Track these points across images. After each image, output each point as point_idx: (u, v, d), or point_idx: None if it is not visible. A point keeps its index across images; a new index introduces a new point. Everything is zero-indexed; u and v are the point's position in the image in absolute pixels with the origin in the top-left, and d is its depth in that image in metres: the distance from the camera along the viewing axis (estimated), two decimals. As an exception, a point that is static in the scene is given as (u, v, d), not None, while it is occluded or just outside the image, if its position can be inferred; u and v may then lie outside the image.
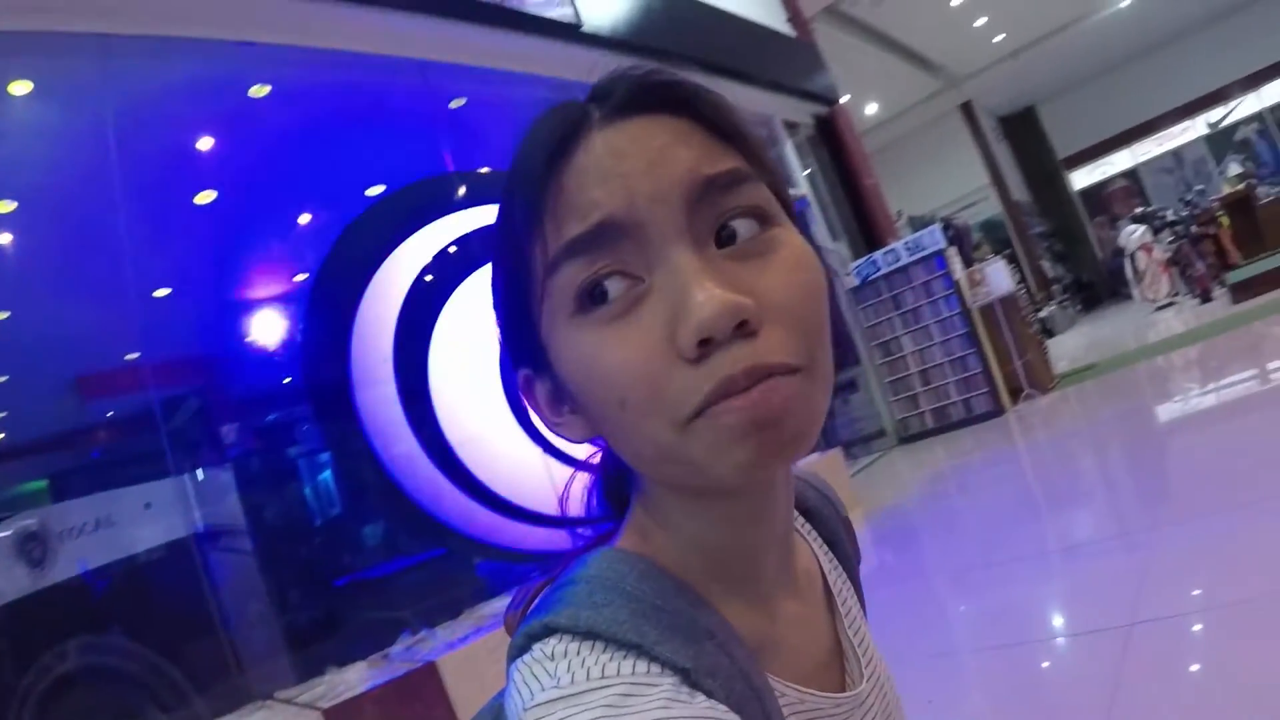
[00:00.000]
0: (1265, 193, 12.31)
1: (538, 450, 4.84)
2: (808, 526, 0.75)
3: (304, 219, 6.06)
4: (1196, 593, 3.09)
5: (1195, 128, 18.79)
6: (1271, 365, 6.49)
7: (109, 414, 5.05)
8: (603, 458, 0.69)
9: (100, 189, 4.49)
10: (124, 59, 4.43)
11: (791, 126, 10.38)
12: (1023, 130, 20.46)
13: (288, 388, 5.54)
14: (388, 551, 5.66)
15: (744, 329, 0.49)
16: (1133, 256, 13.73)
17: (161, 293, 5.22)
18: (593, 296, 0.52)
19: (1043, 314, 14.99)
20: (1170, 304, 13.11)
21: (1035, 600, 3.78)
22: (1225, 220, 11.59)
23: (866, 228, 10.75)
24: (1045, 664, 3.14)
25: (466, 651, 3.62)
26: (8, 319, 4.54)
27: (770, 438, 0.50)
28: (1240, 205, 11.55)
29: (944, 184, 18.40)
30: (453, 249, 5.14)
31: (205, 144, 5.38)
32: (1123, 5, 15.71)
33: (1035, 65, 17.20)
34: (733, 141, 0.55)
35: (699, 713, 0.47)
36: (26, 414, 4.59)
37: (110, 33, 4.22)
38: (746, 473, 0.51)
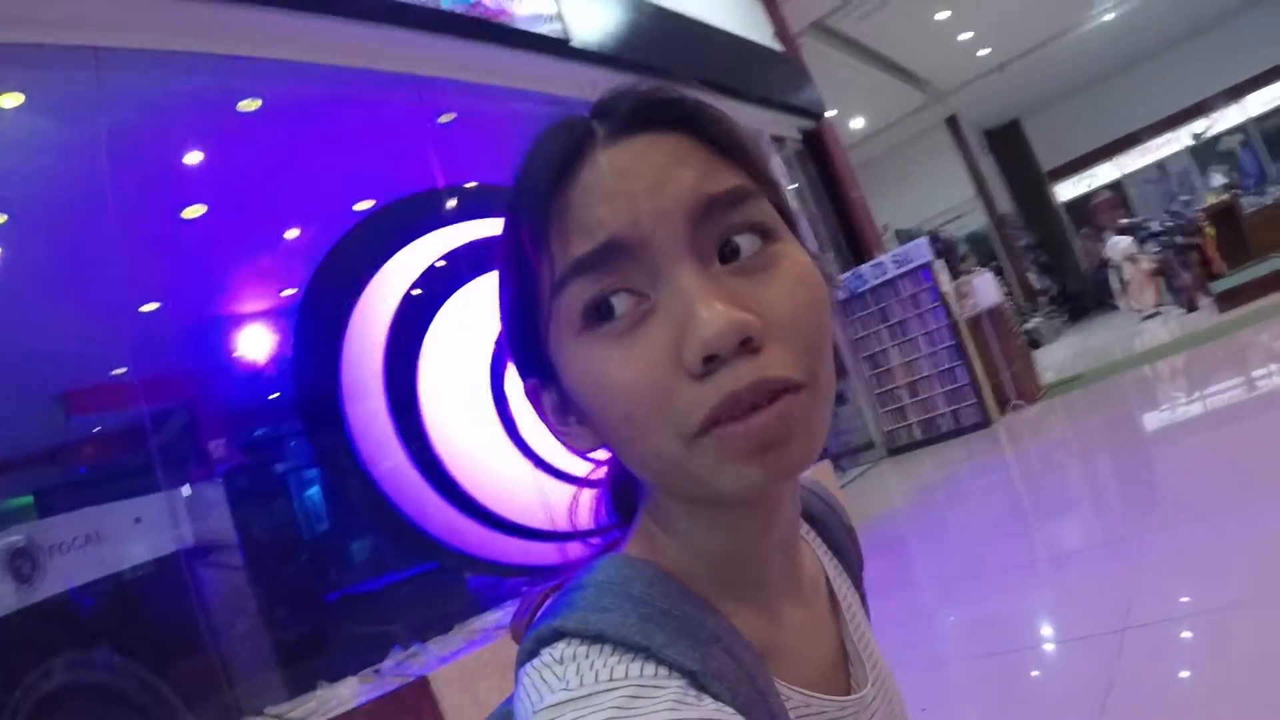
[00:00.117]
0: (1249, 203, 12.40)
1: (528, 464, 4.85)
2: (812, 533, 0.76)
3: (293, 234, 6.06)
4: (1186, 598, 3.11)
5: (1179, 139, 18.88)
6: (1257, 373, 6.54)
7: (97, 428, 5.03)
8: (609, 466, 0.70)
9: (89, 202, 4.48)
10: (115, 72, 4.42)
11: (779, 141, 10.40)
12: (1008, 143, 20.53)
13: (277, 402, 5.53)
14: (378, 566, 5.65)
15: (748, 345, 0.50)
16: (1118, 267, 13.79)
17: (150, 307, 5.21)
18: (599, 313, 0.53)
19: (1029, 325, 15.03)
20: (1156, 314, 13.16)
21: (1027, 608, 3.80)
22: (1210, 230, 11.65)
23: (853, 241, 10.78)
24: (1039, 670, 3.16)
25: (458, 666, 3.61)
26: (-4, 333, 4.52)
27: (777, 457, 0.51)
28: (1224, 215, 11.62)
29: (930, 197, 18.45)
30: (442, 264, 5.15)
31: (195, 158, 5.38)
32: (1106, 19, 15.81)
33: (1020, 79, 17.27)
34: (735, 157, 0.56)
35: (706, 715, 0.48)
36: (14, 429, 4.57)
37: (102, 45, 4.21)
38: (752, 491, 0.52)
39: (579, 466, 0.71)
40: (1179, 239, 12.41)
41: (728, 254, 0.54)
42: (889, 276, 9.41)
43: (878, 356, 9.63)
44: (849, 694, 0.66)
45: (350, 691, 3.73)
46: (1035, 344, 14.36)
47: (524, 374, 0.63)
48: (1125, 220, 15.24)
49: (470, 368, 4.92)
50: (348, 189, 5.91)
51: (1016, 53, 16.33)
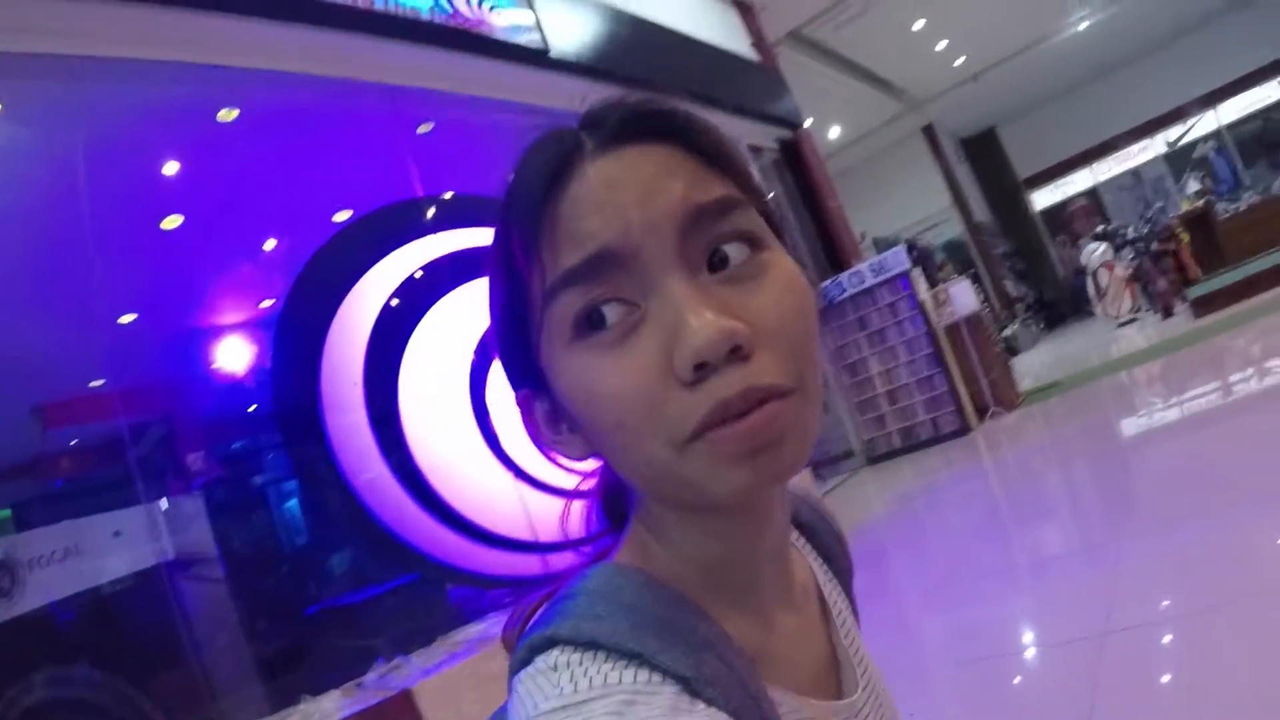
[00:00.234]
0: (1224, 209, 12.53)
1: (509, 475, 4.84)
2: (803, 540, 0.77)
3: (271, 244, 6.03)
4: (1165, 602, 3.14)
5: (1154, 146, 19.10)
6: (1233, 378, 6.60)
7: (75, 441, 4.99)
8: (601, 474, 0.70)
9: (66, 212, 4.44)
10: (93, 81, 4.39)
11: (756, 150, 10.43)
12: (984, 152, 20.67)
13: (257, 414, 5.50)
14: (359, 579, 5.62)
15: (738, 353, 0.51)
16: (1095, 274, 13.89)
17: (128, 318, 5.18)
18: (590, 322, 0.53)
19: (1007, 332, 15.13)
20: (1133, 320, 13.26)
21: (1008, 614, 3.82)
22: (1185, 237, 11.76)
23: (831, 250, 10.81)
24: (1022, 676, 3.17)
25: (441, 678, 3.60)
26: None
27: (767, 461, 0.52)
28: (1199, 221, 11.74)
29: (907, 206, 18.54)
30: (420, 274, 5.14)
31: (173, 168, 5.35)
32: (1081, 28, 15.96)
33: (996, 87, 17.40)
34: (723, 168, 0.57)
35: (700, 720, 0.48)
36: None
37: (80, 54, 4.19)
38: (744, 494, 0.53)
39: (560, 478, 0.71)
40: (1154, 245, 12.52)
41: (716, 263, 0.54)
42: (867, 285, 9.45)
43: (856, 365, 9.66)
44: (840, 699, 0.66)
45: (333, 705, 3.71)
46: (1013, 351, 14.45)
47: (515, 384, 0.63)
48: (1101, 227, 15.36)
49: (451, 379, 4.91)
50: (327, 199, 5.89)
51: (992, 61, 16.46)
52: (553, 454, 0.63)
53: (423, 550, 4.83)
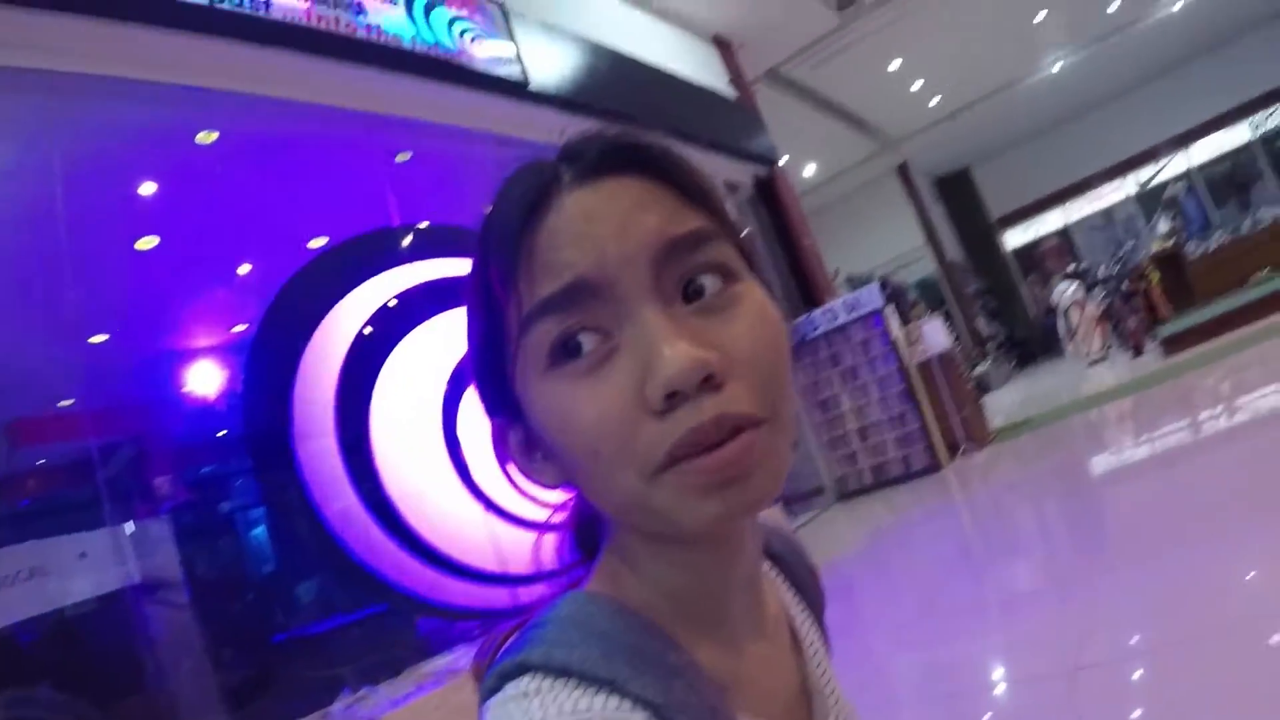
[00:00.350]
0: (1194, 249, 12.72)
1: (480, 507, 4.81)
2: (774, 572, 0.77)
3: (246, 268, 6.01)
4: (1135, 638, 3.16)
5: (1125, 187, 19.34)
6: (1202, 415, 6.67)
7: (42, 460, 4.93)
8: (574, 504, 0.70)
9: (40, 229, 4.40)
10: (71, 98, 4.37)
11: (732, 187, 10.47)
12: (957, 191, 20.83)
13: (227, 439, 5.45)
14: (327, 607, 5.56)
15: (710, 383, 0.51)
16: (1066, 313, 14.03)
17: (99, 338, 5.13)
18: (566, 351, 0.54)
19: (979, 370, 15.22)
20: (1103, 358, 13.36)
21: (979, 649, 3.82)
22: (1155, 276, 11.91)
23: (805, 287, 10.83)
24: (992, 712, 3.17)
25: (409, 710, 3.57)
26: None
27: (738, 492, 0.52)
28: (1170, 261, 11.91)
29: (881, 244, 18.64)
30: (394, 303, 5.13)
31: (150, 188, 5.32)
32: (1054, 70, 16.19)
33: (970, 128, 17.58)
34: (698, 201, 0.58)
35: (671, 749, 0.49)
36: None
37: (58, 70, 4.16)
38: (715, 525, 0.53)
39: (531, 510, 0.71)
40: (1125, 285, 12.67)
41: (691, 294, 0.55)
42: (840, 322, 9.49)
43: (828, 401, 9.67)
44: (810, 729, 0.66)
45: (297, 734, 3.67)
46: (984, 389, 14.53)
47: (490, 413, 0.63)
48: (1072, 266, 15.54)
49: (423, 409, 4.89)
50: (303, 225, 5.87)
51: (966, 102, 16.63)
52: (521, 486, 0.64)
53: (391, 580, 4.79)
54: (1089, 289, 13.93)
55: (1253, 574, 3.31)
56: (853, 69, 13.36)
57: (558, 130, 0.61)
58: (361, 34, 5.26)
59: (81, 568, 4.19)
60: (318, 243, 5.57)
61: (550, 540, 0.72)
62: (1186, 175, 18.53)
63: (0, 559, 3.89)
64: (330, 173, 6.11)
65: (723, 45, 11.13)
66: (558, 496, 0.67)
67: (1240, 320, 9.66)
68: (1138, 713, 2.70)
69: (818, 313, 9.71)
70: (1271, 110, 17.62)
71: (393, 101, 5.79)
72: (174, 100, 4.79)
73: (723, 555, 0.60)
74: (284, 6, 4.81)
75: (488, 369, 0.61)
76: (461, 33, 6.08)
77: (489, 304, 0.58)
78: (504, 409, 0.61)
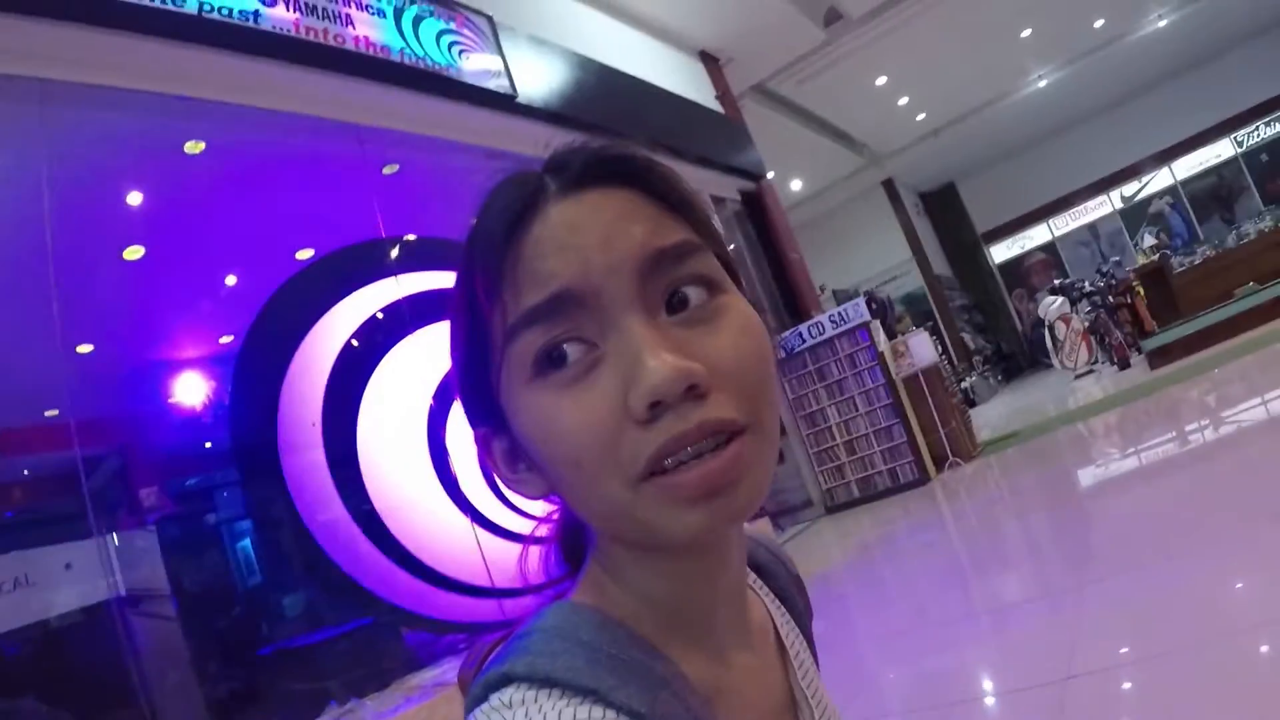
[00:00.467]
0: (1178, 263, 12.81)
1: (465, 520, 4.80)
2: (760, 582, 0.77)
3: (233, 280, 5.99)
4: (1125, 648, 3.16)
5: (1110, 202, 19.49)
6: (1188, 427, 6.70)
7: (27, 471, 4.90)
8: (560, 515, 0.70)
9: (27, 237, 4.37)
10: (60, 106, 4.35)
11: (719, 201, 10.49)
12: (943, 206, 20.96)
13: (214, 450, 5.43)
14: (314, 620, 5.53)
15: (694, 392, 0.51)
16: (1052, 327, 14.10)
17: (86, 348, 5.11)
18: (550, 361, 0.54)
19: (965, 384, 15.27)
20: (1089, 372, 13.46)
21: (969, 661, 3.82)
22: (1141, 290, 11.99)
23: (791, 301, 10.86)
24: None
25: (395, 721, 3.56)
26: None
27: (723, 503, 0.52)
28: (1155, 275, 11.98)
29: (867, 258, 18.74)
30: (381, 316, 5.13)
31: (137, 198, 5.30)
32: (1040, 85, 16.31)
33: (956, 143, 17.69)
34: (682, 213, 0.58)
35: (655, 758, 0.49)
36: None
37: (48, 78, 4.15)
38: (699, 535, 0.53)
39: (517, 523, 0.71)
40: (1111, 298, 12.74)
41: (675, 305, 0.55)
42: (827, 336, 9.50)
43: (815, 415, 9.67)
44: (797, 739, 0.66)
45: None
46: (971, 402, 14.59)
47: (474, 423, 0.63)
48: (1058, 281, 15.63)
49: (409, 421, 4.89)
50: (290, 237, 5.86)
51: (952, 118, 16.75)
52: (506, 496, 0.64)
53: (378, 593, 4.78)
54: (1075, 303, 14.01)
55: (1240, 584, 3.32)
56: (839, 85, 13.44)
57: (544, 143, 0.61)
58: (350, 46, 5.26)
59: (67, 579, 4.16)
60: (305, 254, 5.55)
61: (535, 554, 0.72)
62: (1172, 190, 18.68)
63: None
64: (318, 184, 6.10)
65: (710, 60, 11.20)
66: (542, 508, 0.67)
67: (1225, 333, 9.73)
68: (1127, 721, 2.71)
69: (804, 327, 9.72)
70: (1255, 125, 17.77)
71: (381, 113, 5.80)
72: (162, 109, 4.78)
73: (708, 565, 0.61)
74: (273, 17, 4.82)
75: (472, 379, 0.61)
76: (450, 46, 6.10)
77: (474, 314, 0.58)
78: (489, 419, 0.61)
